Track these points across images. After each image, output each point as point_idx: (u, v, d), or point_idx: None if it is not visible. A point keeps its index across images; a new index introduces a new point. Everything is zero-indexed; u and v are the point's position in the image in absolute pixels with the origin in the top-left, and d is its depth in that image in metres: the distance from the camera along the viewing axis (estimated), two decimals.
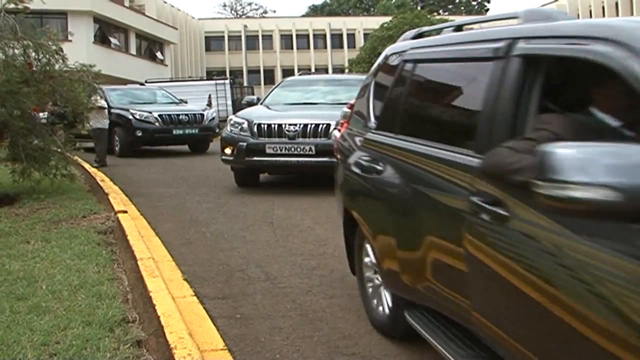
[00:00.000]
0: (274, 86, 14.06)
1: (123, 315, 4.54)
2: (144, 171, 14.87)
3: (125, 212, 8.36)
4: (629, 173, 1.91)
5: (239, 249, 6.92)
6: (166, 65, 51.72)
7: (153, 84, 32.88)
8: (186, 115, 18.71)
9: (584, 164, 1.95)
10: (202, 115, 19.00)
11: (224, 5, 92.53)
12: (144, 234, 7.28)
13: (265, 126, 10.54)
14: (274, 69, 62.45)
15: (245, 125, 10.68)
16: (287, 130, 10.38)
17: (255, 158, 10.50)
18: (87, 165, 14.29)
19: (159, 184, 12.44)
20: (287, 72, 61.61)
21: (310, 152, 10.24)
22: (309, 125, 10.39)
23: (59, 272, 5.60)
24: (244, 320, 4.67)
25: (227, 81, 34.51)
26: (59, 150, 10.66)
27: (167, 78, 41.02)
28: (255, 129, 10.54)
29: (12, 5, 10.15)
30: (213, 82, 33.78)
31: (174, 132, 18.36)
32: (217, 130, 18.29)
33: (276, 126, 10.51)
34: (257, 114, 11.21)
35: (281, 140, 10.41)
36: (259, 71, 61.73)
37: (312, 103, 12.01)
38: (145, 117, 18.24)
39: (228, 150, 10.74)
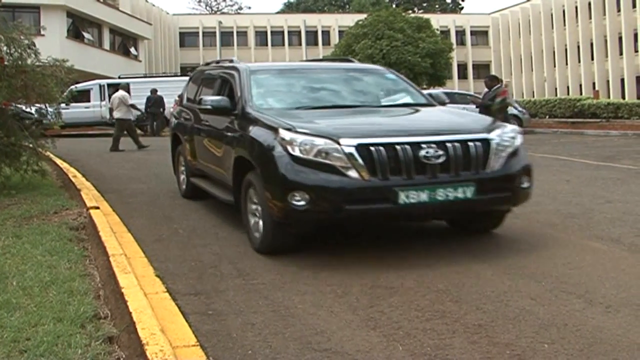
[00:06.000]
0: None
1: (95, 311, 4.53)
2: (117, 167, 14.78)
3: (98, 208, 8.32)
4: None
5: (212, 245, 6.91)
6: (140, 61, 51.40)
7: (127, 79, 32.73)
8: (447, 145, 6.26)
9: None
10: (487, 143, 6.33)
11: (199, 1, 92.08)
12: (116, 230, 7.25)
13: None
14: None
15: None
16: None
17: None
18: (59, 161, 14.17)
19: (131, 180, 12.37)
20: None
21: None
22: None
23: (30, 268, 5.57)
24: (216, 317, 4.67)
25: None
26: (31, 145, 10.57)
27: (141, 74, 40.77)
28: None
29: None
30: (187, 78, 33.57)
31: (411, 197, 6.06)
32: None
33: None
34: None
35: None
36: None
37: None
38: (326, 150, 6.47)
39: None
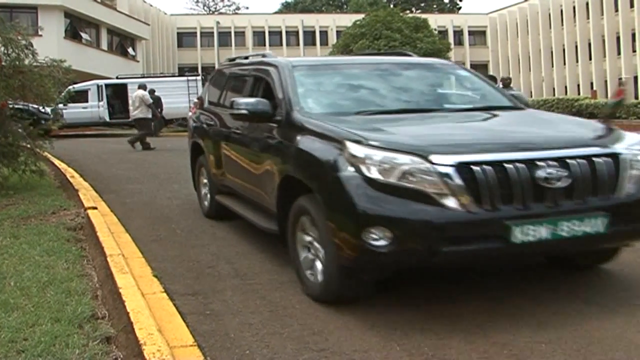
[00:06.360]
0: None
1: (92, 311, 4.53)
2: (115, 167, 14.77)
3: (95, 208, 8.32)
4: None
5: (210, 245, 6.91)
6: (138, 61, 51.35)
7: (125, 80, 32.73)
8: (569, 163, 4.60)
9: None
10: (616, 158, 4.77)
11: (197, 1, 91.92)
12: (113, 230, 7.25)
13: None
14: None
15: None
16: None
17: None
18: (57, 161, 14.17)
19: (129, 180, 12.37)
20: None
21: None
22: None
23: (28, 269, 5.57)
24: (213, 317, 4.68)
25: (199, 78, 34.35)
26: (29, 146, 10.57)
27: (139, 74, 40.75)
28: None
29: None
30: (185, 78, 33.60)
31: (528, 234, 4.46)
32: None
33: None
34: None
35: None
36: None
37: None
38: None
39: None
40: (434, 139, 4.86)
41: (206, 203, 8.53)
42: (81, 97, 30.26)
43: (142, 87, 21.07)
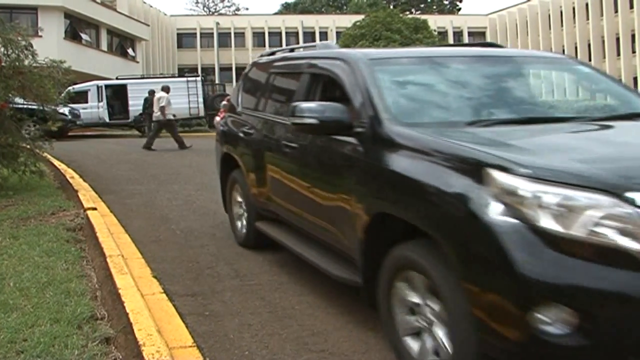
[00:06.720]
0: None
1: (91, 312, 4.53)
2: (114, 168, 14.78)
3: (95, 209, 8.32)
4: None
5: (209, 246, 6.92)
6: (137, 62, 51.34)
7: (125, 80, 32.75)
8: None
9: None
10: None
11: (196, 2, 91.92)
12: (113, 231, 7.25)
13: None
14: (246, 66, 62.09)
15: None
16: None
17: None
18: (57, 162, 14.17)
19: (129, 181, 12.37)
20: None
21: None
22: None
23: (27, 269, 5.56)
24: (213, 317, 4.68)
25: (199, 78, 34.38)
26: (28, 146, 10.57)
27: (139, 75, 40.76)
28: None
29: None
30: (184, 79, 33.62)
31: None
32: None
33: None
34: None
35: None
36: (230, 68, 61.47)
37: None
38: None
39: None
40: (619, 166, 3.19)
41: (241, 228, 6.91)
42: (81, 98, 30.27)
43: (165, 88, 21.13)
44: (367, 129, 4.24)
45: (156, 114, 20.44)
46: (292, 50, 6.96)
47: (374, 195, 4.04)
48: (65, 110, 11.73)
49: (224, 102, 9.57)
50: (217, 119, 8.46)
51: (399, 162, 3.81)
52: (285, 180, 5.58)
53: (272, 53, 7.24)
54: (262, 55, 7.51)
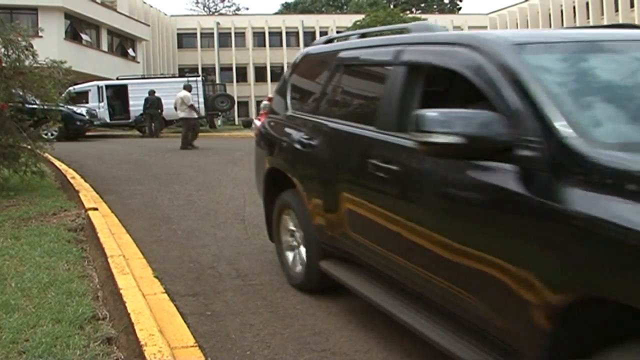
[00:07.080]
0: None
1: (93, 312, 4.53)
2: (115, 168, 14.78)
3: (96, 209, 8.31)
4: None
5: (210, 246, 6.92)
6: (138, 62, 51.34)
7: (125, 80, 32.74)
8: None
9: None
10: None
11: (197, 2, 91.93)
12: (114, 231, 7.25)
13: None
14: (247, 66, 62.30)
15: None
16: None
17: None
18: (57, 162, 14.17)
19: (130, 181, 12.37)
20: (260, 69, 61.63)
21: None
22: None
23: (29, 270, 5.56)
24: (214, 317, 4.68)
25: (199, 78, 34.36)
26: (29, 147, 10.57)
27: (139, 75, 40.76)
28: None
29: None
30: (185, 79, 33.63)
31: None
32: None
33: None
34: None
35: None
36: (231, 69, 61.49)
37: None
38: None
39: None
40: None
41: (298, 268, 5.38)
42: (82, 98, 30.28)
43: (187, 87, 21.29)
44: (541, 153, 2.70)
45: (182, 113, 20.55)
46: (363, 35, 5.33)
47: (571, 263, 2.45)
48: (83, 110, 11.84)
49: (265, 102, 7.44)
50: (257, 123, 6.12)
51: (623, 214, 2.26)
52: (375, 215, 4.00)
53: (330, 40, 5.74)
54: (318, 42, 5.97)
